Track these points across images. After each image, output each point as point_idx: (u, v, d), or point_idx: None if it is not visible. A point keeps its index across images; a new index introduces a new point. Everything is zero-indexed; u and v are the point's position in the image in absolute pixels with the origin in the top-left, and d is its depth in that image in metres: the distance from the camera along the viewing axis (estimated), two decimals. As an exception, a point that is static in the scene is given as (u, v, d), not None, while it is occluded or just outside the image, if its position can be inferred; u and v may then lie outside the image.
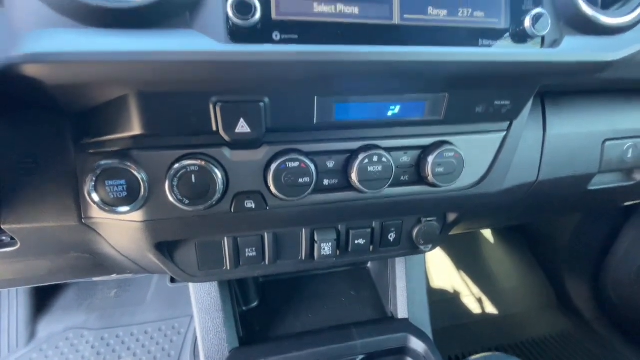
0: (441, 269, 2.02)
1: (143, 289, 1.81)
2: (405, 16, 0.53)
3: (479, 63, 0.54)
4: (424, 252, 0.88)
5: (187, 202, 0.57)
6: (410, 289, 1.04)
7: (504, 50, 0.55)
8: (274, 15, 0.48)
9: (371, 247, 0.82)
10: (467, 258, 2.06)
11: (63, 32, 0.43)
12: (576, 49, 0.58)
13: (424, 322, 1.02)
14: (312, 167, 0.61)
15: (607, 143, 0.83)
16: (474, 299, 1.93)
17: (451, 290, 1.96)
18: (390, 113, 0.62)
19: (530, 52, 0.56)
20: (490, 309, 1.90)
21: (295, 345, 0.91)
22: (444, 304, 1.88)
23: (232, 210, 0.62)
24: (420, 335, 0.95)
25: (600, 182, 0.89)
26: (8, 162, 0.57)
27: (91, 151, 0.59)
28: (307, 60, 0.48)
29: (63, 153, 0.59)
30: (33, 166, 0.58)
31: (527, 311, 1.90)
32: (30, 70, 0.43)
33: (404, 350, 0.93)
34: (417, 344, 0.91)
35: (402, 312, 1.03)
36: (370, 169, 0.63)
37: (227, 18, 0.46)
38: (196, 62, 0.45)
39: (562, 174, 0.81)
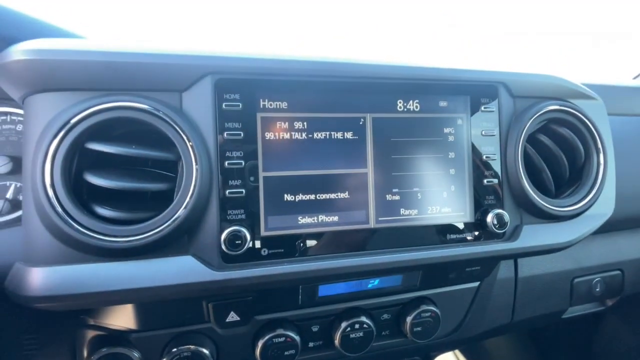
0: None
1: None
2: (380, 219, 0.60)
3: (447, 262, 0.61)
4: None
5: None
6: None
7: (468, 249, 0.62)
8: (262, 232, 0.55)
9: None
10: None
11: (74, 269, 0.48)
12: (532, 239, 0.65)
13: None
14: (298, 339, 0.65)
15: (576, 280, 0.89)
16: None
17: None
18: (370, 285, 0.68)
19: (492, 248, 0.63)
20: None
21: None
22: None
23: None
24: None
25: (573, 311, 0.94)
26: (11, 343, 0.61)
27: (91, 322, 0.63)
28: (292, 279, 0.54)
29: (63, 329, 0.63)
30: (35, 345, 0.63)
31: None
32: (44, 305, 0.48)
33: None
34: None
35: None
36: (352, 335, 0.68)
37: (220, 247, 0.52)
38: (191, 290, 0.51)
39: (535, 313, 0.87)
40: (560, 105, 0.68)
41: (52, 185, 0.47)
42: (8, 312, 0.61)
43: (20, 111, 0.67)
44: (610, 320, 1.43)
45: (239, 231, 0.52)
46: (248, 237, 0.52)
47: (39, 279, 0.47)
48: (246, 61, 0.53)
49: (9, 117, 0.71)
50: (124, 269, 0.49)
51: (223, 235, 0.51)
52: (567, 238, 0.67)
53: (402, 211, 0.61)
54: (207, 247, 0.52)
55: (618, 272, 0.93)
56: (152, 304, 0.57)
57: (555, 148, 0.68)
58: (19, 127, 0.72)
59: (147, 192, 0.52)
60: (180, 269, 0.50)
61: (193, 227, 0.52)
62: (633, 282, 0.95)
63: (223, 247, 0.51)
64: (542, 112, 0.67)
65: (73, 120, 0.48)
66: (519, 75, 0.67)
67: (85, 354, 0.61)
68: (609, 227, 0.81)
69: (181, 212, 0.50)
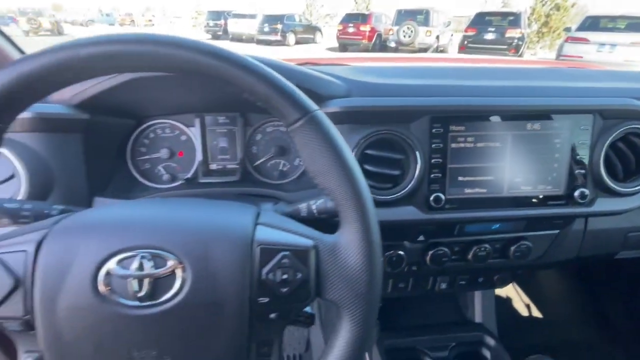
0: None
1: None
2: (510, 191, 1.06)
3: (545, 217, 1.07)
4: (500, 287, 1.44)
5: None
6: (484, 305, 1.61)
7: (559, 210, 1.07)
8: (447, 196, 1.04)
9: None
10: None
11: None
12: (601, 206, 1.08)
13: (492, 326, 1.60)
14: (448, 252, 1.18)
15: (630, 234, 1.30)
16: (523, 304, 2.43)
17: (503, 295, 2.47)
18: (492, 227, 1.18)
19: (573, 210, 1.08)
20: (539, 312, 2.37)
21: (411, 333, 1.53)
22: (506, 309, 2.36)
23: None
24: (491, 334, 1.52)
25: (623, 255, 1.36)
26: None
27: None
28: (459, 222, 1.05)
29: None
30: None
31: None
32: None
33: (480, 344, 1.51)
34: (489, 340, 1.50)
35: (477, 319, 1.61)
36: (478, 254, 1.20)
37: (429, 202, 1.03)
38: (413, 222, 1.04)
39: (595, 252, 1.31)
40: (638, 124, 1.05)
41: None
42: None
43: None
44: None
45: (438, 196, 1.02)
46: (443, 198, 1.02)
47: None
48: (448, 107, 0.99)
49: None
50: (386, 210, 1.02)
51: (431, 198, 1.02)
52: (626, 207, 1.09)
53: (523, 187, 1.07)
54: (422, 202, 1.03)
55: None
56: (391, 228, 1.11)
57: (627, 151, 1.07)
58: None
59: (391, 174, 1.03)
60: (408, 212, 1.03)
61: (415, 193, 1.03)
62: None
63: (431, 202, 1.02)
64: (623, 129, 1.05)
65: (363, 139, 0.98)
66: (611, 105, 1.04)
67: None
68: None
69: (410, 185, 1.01)
